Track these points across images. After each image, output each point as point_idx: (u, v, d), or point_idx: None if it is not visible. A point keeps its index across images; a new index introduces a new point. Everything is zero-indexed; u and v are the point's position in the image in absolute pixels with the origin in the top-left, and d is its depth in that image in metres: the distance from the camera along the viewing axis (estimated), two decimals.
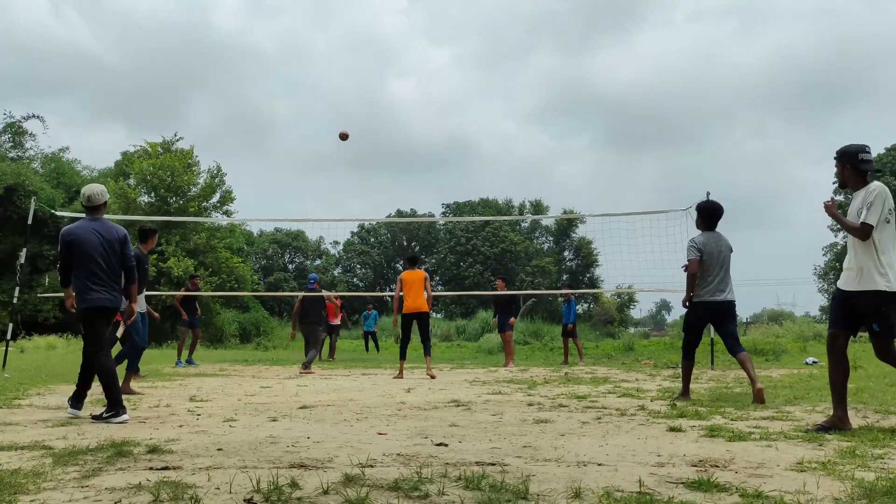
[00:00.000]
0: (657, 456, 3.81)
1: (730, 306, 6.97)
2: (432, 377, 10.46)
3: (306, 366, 12.23)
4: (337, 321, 17.64)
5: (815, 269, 47.81)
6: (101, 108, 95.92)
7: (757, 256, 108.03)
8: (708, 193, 12.33)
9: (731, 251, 7.09)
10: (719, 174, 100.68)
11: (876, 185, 4.81)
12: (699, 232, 7.17)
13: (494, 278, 14.99)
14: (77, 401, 5.80)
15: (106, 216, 5.95)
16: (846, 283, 4.85)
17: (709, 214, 7.20)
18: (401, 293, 10.96)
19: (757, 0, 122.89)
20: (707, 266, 6.91)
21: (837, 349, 4.90)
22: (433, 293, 13.17)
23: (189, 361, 14.41)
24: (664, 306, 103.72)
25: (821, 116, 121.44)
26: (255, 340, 29.45)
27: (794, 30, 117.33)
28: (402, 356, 10.88)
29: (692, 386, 7.41)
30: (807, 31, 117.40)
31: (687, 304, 7.02)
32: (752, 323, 44.02)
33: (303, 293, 13.73)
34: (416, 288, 10.88)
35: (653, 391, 7.92)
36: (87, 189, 5.91)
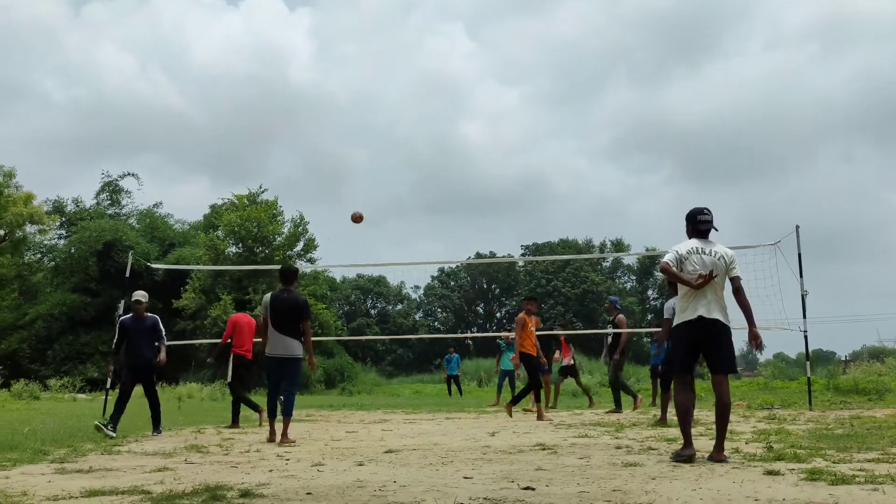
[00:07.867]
0: (754, 500, 3.66)
1: None
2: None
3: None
4: (569, 360, 14.88)
5: None
6: (187, 162, 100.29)
7: (854, 291, 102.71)
8: (797, 227, 11.95)
9: None
10: (806, 205, 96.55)
11: None
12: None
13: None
14: None
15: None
16: None
17: None
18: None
19: (838, 23, 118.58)
20: None
21: None
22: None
23: None
24: None
25: None
26: (339, 386, 29.79)
27: (879, 51, 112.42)
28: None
29: (790, 428, 7.06)
30: (893, 51, 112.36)
31: None
32: (852, 361, 41.77)
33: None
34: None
35: (747, 433, 7.60)
36: None
